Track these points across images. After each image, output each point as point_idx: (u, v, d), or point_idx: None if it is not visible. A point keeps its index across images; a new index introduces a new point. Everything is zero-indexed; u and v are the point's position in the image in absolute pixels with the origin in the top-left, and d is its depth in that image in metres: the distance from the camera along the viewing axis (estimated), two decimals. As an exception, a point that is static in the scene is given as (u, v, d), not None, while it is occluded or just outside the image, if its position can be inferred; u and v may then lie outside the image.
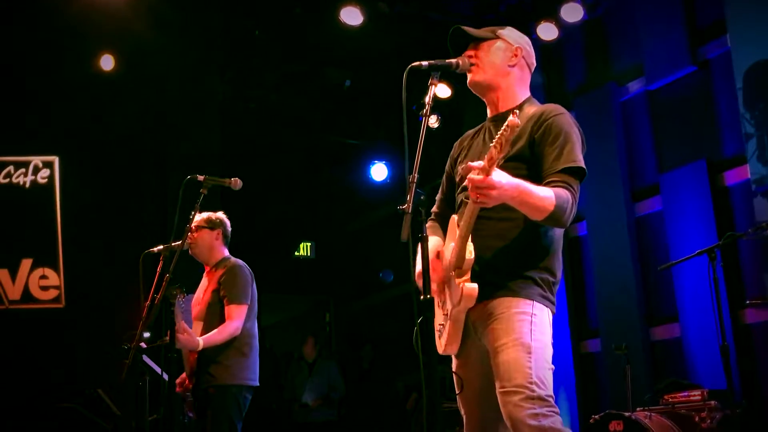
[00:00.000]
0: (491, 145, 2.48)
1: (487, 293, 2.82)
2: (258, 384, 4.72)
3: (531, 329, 2.77)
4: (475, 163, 2.55)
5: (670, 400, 5.38)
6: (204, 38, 8.50)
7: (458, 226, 2.84)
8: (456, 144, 3.27)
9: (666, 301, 7.15)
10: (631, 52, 7.78)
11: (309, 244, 11.37)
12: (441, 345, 2.96)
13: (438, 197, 3.30)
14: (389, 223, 10.34)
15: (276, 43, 8.50)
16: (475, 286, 2.76)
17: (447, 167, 3.25)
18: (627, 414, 5.16)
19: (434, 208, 3.28)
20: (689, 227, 6.92)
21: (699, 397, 5.22)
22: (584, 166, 2.86)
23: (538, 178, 2.82)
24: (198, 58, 8.59)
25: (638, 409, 5.36)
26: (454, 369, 3.02)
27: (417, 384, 8.78)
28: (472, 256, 2.77)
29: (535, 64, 3.19)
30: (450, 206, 3.17)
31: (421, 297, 2.56)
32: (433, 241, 3.00)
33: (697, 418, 5.07)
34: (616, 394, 6.54)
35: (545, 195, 2.70)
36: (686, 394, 5.33)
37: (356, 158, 10.63)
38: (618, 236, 7.51)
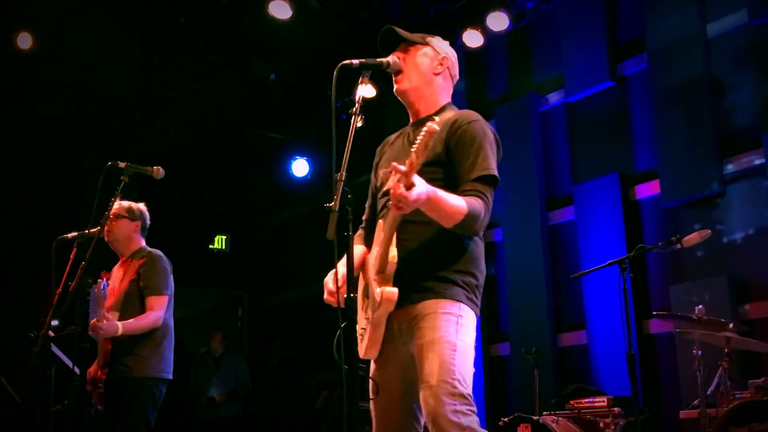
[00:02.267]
0: (412, 150, 2.51)
1: (412, 297, 2.85)
2: (172, 377, 4.67)
3: (457, 329, 2.82)
4: (399, 166, 2.58)
5: (576, 405, 5.53)
6: (126, 22, 8.29)
7: (383, 230, 2.86)
8: (377, 150, 3.31)
9: (575, 309, 7.34)
10: (553, 64, 7.96)
11: (224, 237, 11.22)
12: (362, 349, 2.97)
13: (367, 204, 3.32)
14: (308, 220, 10.38)
15: (201, 32, 8.37)
16: (395, 290, 2.78)
17: (372, 175, 3.27)
18: (535, 418, 5.28)
19: (364, 216, 3.30)
20: (600, 238, 7.13)
21: (604, 404, 5.38)
22: (497, 174, 2.92)
23: (453, 183, 2.87)
24: (118, 42, 8.37)
25: (545, 413, 5.49)
26: (371, 373, 3.03)
27: (328, 382, 8.79)
28: (395, 260, 2.79)
29: (458, 77, 3.28)
30: (375, 213, 3.19)
31: (345, 296, 2.56)
32: (359, 249, 3.03)
33: (601, 424, 5.23)
34: (524, 397, 6.68)
35: (457, 204, 2.76)
36: (591, 400, 5.49)
37: (278, 153, 10.56)
38: (532, 243, 7.67)
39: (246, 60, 8.88)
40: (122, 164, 4.16)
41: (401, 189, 2.54)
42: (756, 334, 5.55)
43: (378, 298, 2.79)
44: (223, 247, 11.19)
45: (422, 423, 2.97)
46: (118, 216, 4.72)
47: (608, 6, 7.54)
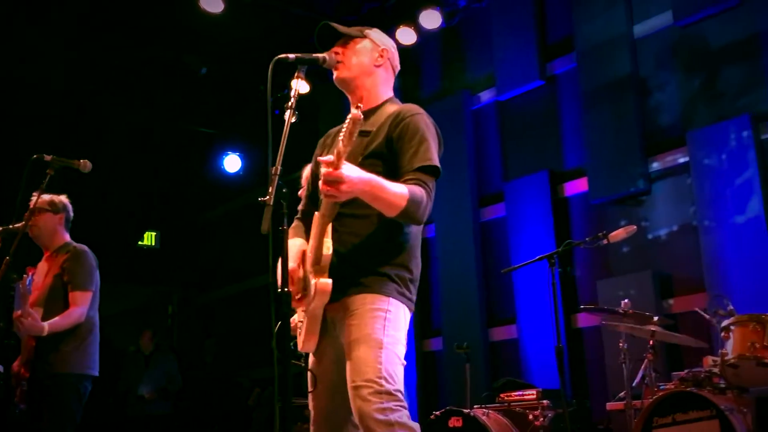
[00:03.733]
0: (339, 139, 2.52)
1: (344, 290, 2.85)
2: (98, 374, 4.59)
3: (384, 325, 2.81)
4: (325, 158, 2.58)
5: (506, 398, 5.62)
6: (51, 12, 8.08)
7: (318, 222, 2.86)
8: (320, 142, 3.29)
9: (506, 304, 7.45)
10: (485, 63, 8.06)
11: (154, 233, 11.06)
12: (300, 342, 2.97)
13: (305, 194, 3.31)
14: (240, 216, 10.29)
15: (132, 26, 8.21)
16: (329, 281, 2.78)
17: (312, 166, 3.25)
18: (466, 411, 5.35)
19: (300, 206, 3.28)
20: (530, 234, 7.26)
21: (533, 396, 5.49)
22: (439, 165, 2.93)
23: (394, 176, 2.87)
24: (47, 35, 8.15)
25: (476, 406, 5.57)
26: (309, 366, 3.02)
27: (261, 379, 8.74)
28: (330, 252, 2.78)
29: (399, 68, 3.26)
30: (314, 204, 3.18)
31: (278, 290, 2.54)
32: (296, 242, 3.01)
33: (531, 416, 5.33)
34: (456, 391, 6.76)
35: (398, 191, 2.75)
36: (521, 393, 5.60)
37: (209, 148, 10.44)
38: (464, 239, 7.76)
39: (177, 54, 8.74)
40: (48, 157, 4.07)
41: (327, 173, 2.54)
42: (679, 327, 5.73)
43: (312, 290, 2.79)
44: (153, 244, 11.03)
45: None
46: (40, 210, 4.60)
47: (538, 6, 7.67)
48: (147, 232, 11.01)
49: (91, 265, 4.65)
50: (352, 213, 2.85)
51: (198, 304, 11.35)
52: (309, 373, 2.99)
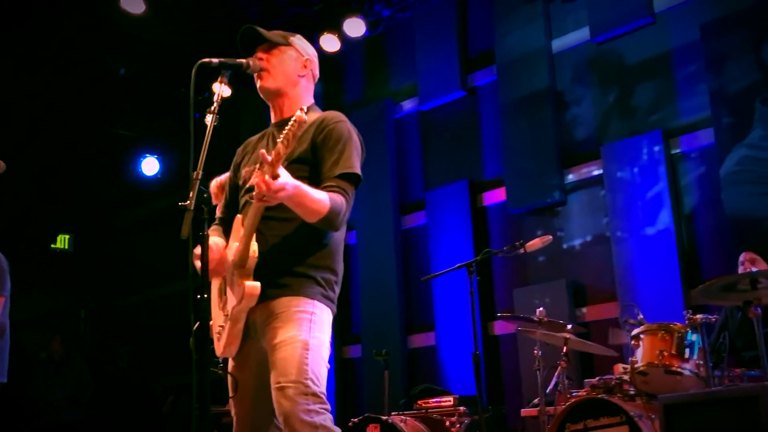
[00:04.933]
0: (279, 141, 2.52)
1: (269, 293, 2.85)
2: (6, 380, 4.45)
3: (310, 327, 2.83)
4: (266, 156, 2.57)
5: (424, 405, 5.68)
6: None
7: (243, 225, 2.84)
8: (239, 150, 3.28)
9: (425, 311, 7.52)
10: (408, 72, 8.14)
11: (68, 236, 10.77)
12: (220, 347, 2.94)
13: (220, 203, 3.28)
14: (158, 220, 10.11)
15: (51, 25, 7.98)
16: (258, 284, 2.78)
17: (230, 173, 3.24)
18: (384, 418, 5.37)
19: (218, 213, 3.25)
20: (450, 242, 7.35)
21: (450, 403, 5.56)
22: (360, 173, 2.97)
23: (318, 182, 2.90)
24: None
25: (394, 413, 5.60)
26: (230, 370, 3.00)
27: (176, 386, 8.59)
28: (256, 254, 2.78)
29: (318, 76, 3.29)
30: (233, 211, 3.16)
31: (198, 297, 2.52)
32: (214, 241, 2.98)
33: (447, 423, 5.40)
34: (375, 398, 6.78)
35: (320, 198, 2.78)
36: (438, 399, 5.66)
37: (127, 150, 10.22)
38: (385, 247, 7.80)
39: (96, 54, 8.55)
40: (-41, 157, 3.94)
41: (267, 178, 2.54)
42: (591, 335, 5.88)
43: (240, 293, 2.77)
44: (66, 247, 10.74)
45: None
46: None
47: (460, 18, 7.79)
48: (60, 235, 10.71)
49: (2, 269, 4.51)
50: (276, 216, 2.86)
51: (112, 309, 11.10)
52: (230, 378, 2.96)
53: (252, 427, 2.97)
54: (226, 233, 3.06)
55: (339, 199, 2.84)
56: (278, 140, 2.53)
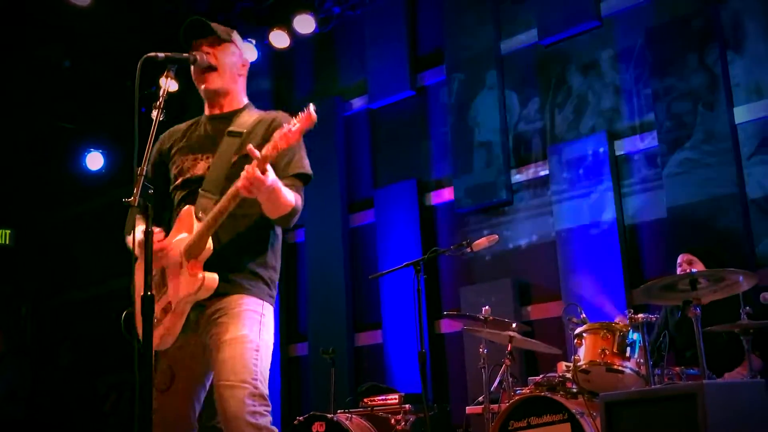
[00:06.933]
0: (269, 143, 2.64)
1: (219, 288, 2.84)
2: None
3: (260, 328, 2.86)
4: (256, 152, 2.66)
5: (370, 403, 5.68)
6: None
7: (196, 217, 2.84)
8: (164, 136, 3.25)
9: (372, 309, 7.53)
10: (357, 70, 8.13)
11: (8, 231, 10.53)
12: (156, 337, 2.90)
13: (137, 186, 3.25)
14: (101, 215, 9.93)
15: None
16: (216, 276, 2.79)
17: (154, 157, 3.19)
18: (329, 416, 5.37)
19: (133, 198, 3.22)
20: (398, 240, 7.37)
21: (395, 401, 5.57)
22: (312, 173, 3.04)
23: None
24: None
25: (340, 411, 5.59)
26: (168, 363, 2.96)
27: (118, 384, 8.47)
28: (211, 248, 2.80)
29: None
30: (162, 199, 3.12)
31: (142, 294, 2.49)
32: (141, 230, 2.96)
33: (393, 421, 5.42)
34: (321, 396, 6.76)
35: (290, 197, 2.86)
36: (384, 397, 5.67)
37: (71, 144, 10.01)
38: (332, 245, 7.78)
39: (40, 45, 8.36)
40: None
41: (257, 173, 2.63)
42: (535, 334, 5.95)
43: (196, 284, 2.77)
44: (7, 242, 10.51)
45: (198, 414, 2.96)
46: None
47: (410, 18, 7.81)
48: (1, 230, 10.47)
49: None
50: (233, 212, 2.85)
51: (54, 306, 10.88)
52: (168, 370, 2.93)
53: (173, 420, 2.92)
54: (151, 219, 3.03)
55: (298, 199, 2.92)
56: (270, 143, 2.65)
